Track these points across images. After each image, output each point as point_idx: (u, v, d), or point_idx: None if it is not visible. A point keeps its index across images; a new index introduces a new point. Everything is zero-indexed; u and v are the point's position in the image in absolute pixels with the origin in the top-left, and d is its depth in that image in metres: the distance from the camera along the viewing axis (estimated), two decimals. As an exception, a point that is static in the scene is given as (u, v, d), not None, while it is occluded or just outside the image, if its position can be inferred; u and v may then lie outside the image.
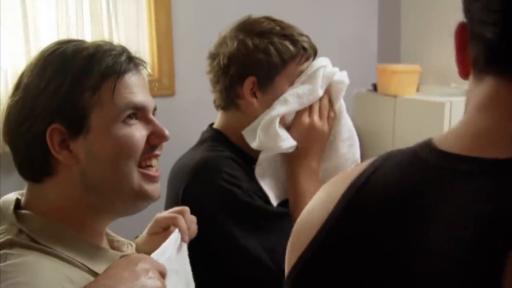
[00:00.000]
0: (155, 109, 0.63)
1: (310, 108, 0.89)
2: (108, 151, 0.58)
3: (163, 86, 1.46)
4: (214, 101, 0.93)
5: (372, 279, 0.42)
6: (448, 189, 0.39)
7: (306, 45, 0.89)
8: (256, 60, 0.86)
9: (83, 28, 1.32)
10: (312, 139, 0.89)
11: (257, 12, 1.68)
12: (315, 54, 0.93)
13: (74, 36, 1.27)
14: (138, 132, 0.59)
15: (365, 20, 1.68)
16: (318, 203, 0.48)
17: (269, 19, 0.92)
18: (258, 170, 0.89)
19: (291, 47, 0.87)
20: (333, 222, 0.44)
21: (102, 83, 0.56)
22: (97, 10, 1.32)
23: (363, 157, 1.66)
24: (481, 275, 0.37)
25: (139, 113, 0.60)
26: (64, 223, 0.57)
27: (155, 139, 0.61)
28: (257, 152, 0.90)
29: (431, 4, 1.60)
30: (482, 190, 0.37)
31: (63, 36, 1.28)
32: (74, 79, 0.55)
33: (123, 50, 0.60)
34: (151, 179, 0.61)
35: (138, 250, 0.70)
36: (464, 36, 0.41)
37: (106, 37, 1.34)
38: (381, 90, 1.49)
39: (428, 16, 1.64)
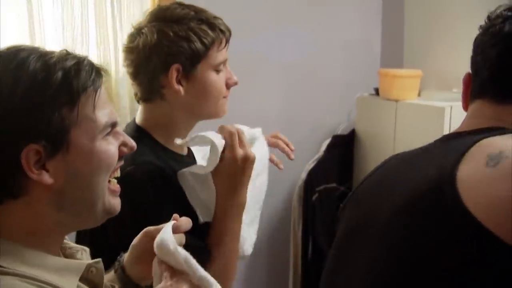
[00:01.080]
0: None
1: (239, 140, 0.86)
2: (89, 168, 0.56)
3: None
4: (136, 94, 0.91)
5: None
6: (436, 143, 0.70)
7: (222, 27, 0.88)
8: (179, 47, 0.85)
9: (88, 30, 1.33)
10: (246, 171, 0.86)
11: (255, 16, 1.67)
12: (230, 36, 0.91)
13: (79, 38, 1.29)
14: (113, 146, 0.58)
15: (369, 24, 1.69)
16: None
17: (181, 4, 0.90)
18: (181, 179, 0.86)
19: (210, 32, 0.86)
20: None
21: (79, 98, 0.54)
22: (102, 13, 1.34)
23: (363, 160, 1.66)
24: (451, 167, 0.57)
25: (113, 128, 0.60)
26: (29, 243, 0.54)
27: (125, 150, 0.61)
28: (181, 148, 0.90)
29: (434, 10, 1.61)
30: (454, 141, 0.67)
31: (68, 39, 1.30)
32: (50, 96, 0.51)
33: (91, 63, 0.58)
34: (115, 193, 0.61)
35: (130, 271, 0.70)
36: (469, 82, 0.68)
37: (110, 39, 1.36)
38: (383, 94, 1.50)
39: (431, 22, 1.65)
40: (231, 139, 0.82)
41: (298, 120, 1.64)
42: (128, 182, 0.73)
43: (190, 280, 0.60)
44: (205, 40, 0.85)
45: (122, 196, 0.65)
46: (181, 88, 0.85)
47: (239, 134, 0.82)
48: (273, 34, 1.59)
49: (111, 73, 1.40)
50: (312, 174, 1.51)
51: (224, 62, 0.90)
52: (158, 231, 0.63)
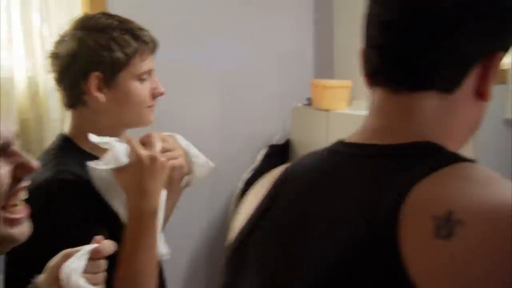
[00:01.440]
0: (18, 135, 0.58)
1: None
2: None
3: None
4: (62, 100, 0.96)
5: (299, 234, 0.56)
6: (345, 168, 0.55)
7: (147, 38, 0.93)
8: (100, 56, 0.90)
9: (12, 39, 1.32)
10: (154, 174, 0.87)
11: (190, 27, 1.72)
12: (156, 47, 0.96)
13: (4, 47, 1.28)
14: (1, 170, 0.54)
15: (302, 36, 1.81)
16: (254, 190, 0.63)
17: (106, 14, 0.97)
18: (97, 183, 0.87)
19: (132, 42, 0.91)
20: (267, 198, 0.59)
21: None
22: (29, 22, 1.33)
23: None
24: (378, 239, 0.47)
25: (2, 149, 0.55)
26: None
27: (22, 172, 0.57)
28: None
29: (362, 22, 1.75)
30: (372, 167, 0.52)
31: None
32: None
33: None
34: (17, 222, 0.57)
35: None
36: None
37: (38, 49, 1.35)
38: (315, 104, 1.62)
39: (360, 34, 1.78)
40: (131, 142, 0.85)
41: (234, 131, 1.72)
42: (40, 195, 0.76)
43: None
44: (127, 50, 0.89)
45: (36, 208, 0.63)
46: (101, 95, 0.90)
47: (150, 137, 0.86)
48: (210, 46, 1.67)
49: (39, 84, 1.40)
50: (249, 183, 1.59)
51: (149, 72, 0.94)
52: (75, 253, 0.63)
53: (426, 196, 0.48)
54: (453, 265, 0.45)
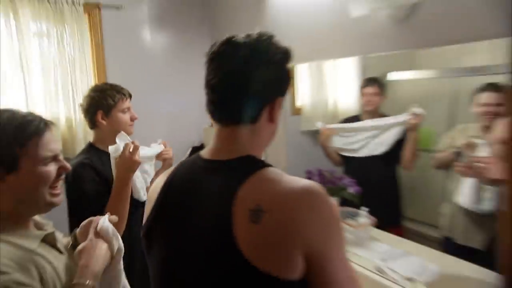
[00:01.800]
0: (61, 151, 0.94)
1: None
2: (34, 181, 0.88)
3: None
4: (88, 125, 1.56)
5: (175, 226, 0.78)
6: (203, 177, 0.78)
7: (125, 92, 1.55)
8: (99, 102, 1.50)
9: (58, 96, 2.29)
10: (130, 171, 1.39)
11: (148, 84, 2.69)
12: (130, 96, 1.58)
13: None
14: (51, 168, 0.91)
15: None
16: (157, 183, 0.86)
17: (105, 83, 1.60)
18: (111, 158, 1.41)
19: (117, 94, 1.52)
20: (161, 195, 0.82)
21: (28, 141, 0.87)
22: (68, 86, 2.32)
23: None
24: (226, 218, 0.69)
25: (53, 158, 0.91)
26: (5, 220, 0.87)
27: (61, 170, 0.94)
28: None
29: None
30: (218, 176, 0.75)
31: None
32: (11, 137, 0.85)
33: (40, 118, 0.92)
34: (57, 195, 0.93)
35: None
36: None
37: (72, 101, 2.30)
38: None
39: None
40: (127, 145, 1.37)
41: (177, 139, 2.43)
42: (73, 172, 1.34)
43: (105, 242, 0.96)
44: (114, 99, 1.52)
45: (69, 179, 1.35)
46: (104, 122, 1.51)
47: (134, 145, 1.38)
48: (159, 95, 2.57)
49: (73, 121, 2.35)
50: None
51: (128, 108, 1.56)
52: (98, 219, 0.99)
53: (245, 194, 0.68)
54: (261, 240, 0.66)
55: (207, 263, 0.73)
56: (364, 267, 1.56)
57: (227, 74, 0.75)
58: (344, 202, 1.86)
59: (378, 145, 2.01)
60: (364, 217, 1.81)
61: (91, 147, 1.56)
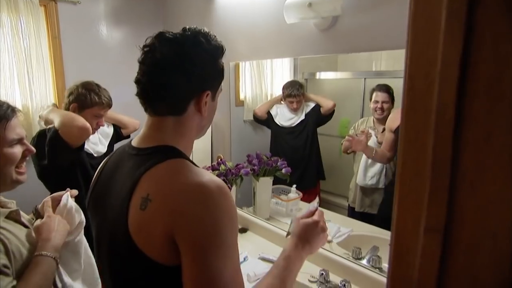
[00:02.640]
0: (26, 136, 1.02)
1: None
2: (1, 161, 0.93)
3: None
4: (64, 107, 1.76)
5: (98, 198, 0.84)
6: (126, 160, 0.81)
7: (104, 102, 1.75)
8: (79, 97, 1.71)
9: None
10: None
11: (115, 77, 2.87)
12: (110, 105, 1.78)
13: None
14: (17, 150, 0.98)
15: None
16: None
17: (96, 86, 1.78)
18: None
19: (97, 99, 1.74)
20: (96, 174, 0.89)
21: None
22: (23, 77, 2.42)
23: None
24: (125, 203, 0.71)
25: (19, 140, 0.98)
26: None
27: (26, 152, 1.02)
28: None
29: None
30: (136, 160, 0.77)
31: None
32: None
33: (8, 104, 0.97)
34: (22, 173, 1.01)
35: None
36: None
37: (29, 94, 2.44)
38: None
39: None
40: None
41: None
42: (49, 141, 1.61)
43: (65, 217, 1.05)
44: (93, 101, 1.74)
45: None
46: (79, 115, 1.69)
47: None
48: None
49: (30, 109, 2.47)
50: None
51: (100, 115, 1.78)
52: (60, 196, 1.10)
53: (144, 182, 0.70)
54: (146, 225, 0.69)
55: (111, 245, 0.78)
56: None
57: (151, 68, 0.77)
58: (278, 181, 2.20)
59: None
60: (294, 193, 2.19)
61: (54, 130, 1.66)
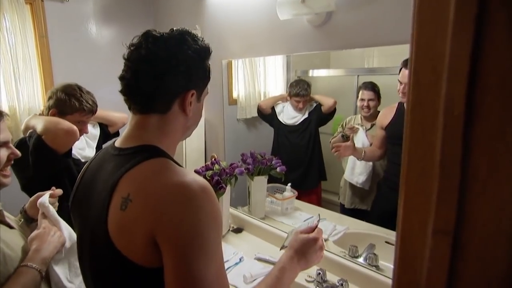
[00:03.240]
0: (12, 139, 1.03)
1: None
2: None
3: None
4: (44, 112, 1.66)
5: (84, 197, 0.82)
6: (108, 161, 0.79)
7: (86, 107, 1.62)
8: (59, 102, 1.59)
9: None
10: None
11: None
12: (93, 112, 1.65)
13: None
14: (2, 153, 0.99)
15: None
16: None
17: (79, 90, 1.64)
18: None
19: (77, 104, 1.59)
20: (80, 176, 0.88)
21: None
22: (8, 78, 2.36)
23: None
24: (105, 204, 0.70)
25: (4, 144, 0.98)
26: None
27: (12, 156, 1.03)
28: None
29: None
30: (118, 161, 0.76)
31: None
32: None
33: None
34: (6, 176, 1.02)
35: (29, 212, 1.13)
36: None
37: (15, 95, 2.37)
38: None
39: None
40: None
41: None
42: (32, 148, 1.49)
43: (54, 226, 1.02)
44: (73, 108, 1.62)
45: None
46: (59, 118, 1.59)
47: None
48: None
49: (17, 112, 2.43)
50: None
51: (82, 121, 1.65)
52: (42, 195, 1.11)
53: (124, 182, 0.69)
54: (126, 226, 0.67)
55: (91, 247, 0.78)
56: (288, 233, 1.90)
57: (135, 64, 0.77)
58: (273, 179, 2.18)
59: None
60: (288, 191, 2.17)
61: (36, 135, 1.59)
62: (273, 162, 2.14)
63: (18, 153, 1.02)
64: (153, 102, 0.78)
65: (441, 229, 0.36)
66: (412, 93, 0.39)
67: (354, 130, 1.98)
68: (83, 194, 0.83)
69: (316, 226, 1.00)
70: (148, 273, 0.68)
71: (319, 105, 2.37)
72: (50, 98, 1.64)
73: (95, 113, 1.68)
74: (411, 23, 0.36)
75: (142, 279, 0.69)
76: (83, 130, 1.64)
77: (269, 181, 2.17)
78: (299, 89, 2.32)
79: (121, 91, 0.81)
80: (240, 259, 1.71)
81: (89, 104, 1.64)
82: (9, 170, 1.02)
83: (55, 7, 2.47)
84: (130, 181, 0.70)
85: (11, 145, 1.01)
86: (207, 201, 0.68)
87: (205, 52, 0.83)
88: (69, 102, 1.59)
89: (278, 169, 2.11)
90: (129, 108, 0.82)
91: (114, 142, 0.84)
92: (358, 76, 2.14)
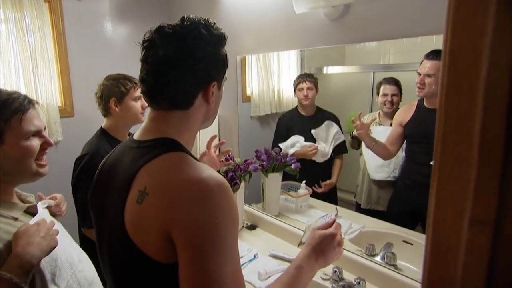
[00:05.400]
0: (45, 127, 0.97)
1: None
2: (17, 154, 0.91)
3: (66, 112, 2.53)
4: (101, 112, 1.66)
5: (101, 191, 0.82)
6: (127, 153, 0.79)
7: (135, 81, 1.63)
8: (112, 90, 1.60)
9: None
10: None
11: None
12: (138, 84, 1.43)
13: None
14: (35, 142, 0.95)
15: None
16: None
17: (118, 74, 1.67)
18: None
19: (128, 82, 1.63)
20: (98, 171, 0.88)
21: (12, 116, 0.89)
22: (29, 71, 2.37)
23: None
24: (123, 196, 0.69)
25: (36, 133, 0.94)
26: None
27: (45, 145, 0.99)
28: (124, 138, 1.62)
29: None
30: (136, 153, 0.75)
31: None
32: None
33: (25, 96, 0.95)
34: (43, 166, 0.98)
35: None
36: None
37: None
38: None
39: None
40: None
41: None
42: (79, 161, 1.55)
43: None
44: (126, 87, 1.61)
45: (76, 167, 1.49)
46: (117, 109, 1.61)
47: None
48: None
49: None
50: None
51: (139, 96, 1.63)
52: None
53: (142, 175, 0.68)
54: (142, 220, 0.67)
55: (110, 240, 0.78)
56: (303, 230, 1.88)
57: (155, 67, 0.76)
58: (287, 177, 2.16)
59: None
60: (303, 189, 2.15)
61: (102, 133, 1.67)
62: (287, 158, 2.12)
63: (52, 142, 0.99)
64: (175, 101, 0.78)
65: (480, 219, 0.33)
66: (447, 75, 0.36)
67: (372, 120, 1.93)
68: (101, 186, 0.83)
69: (334, 221, 0.96)
70: (163, 268, 0.67)
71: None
72: (101, 96, 1.65)
73: None
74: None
75: (156, 274, 0.68)
76: (143, 105, 1.65)
77: (283, 178, 2.15)
78: (299, 78, 2.30)
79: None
80: (255, 256, 1.70)
81: (133, 78, 1.67)
82: (45, 159, 0.99)
83: (72, 5, 2.50)
84: (148, 174, 0.69)
85: (44, 133, 0.99)
86: (224, 198, 0.67)
87: (221, 40, 0.81)
88: (120, 83, 1.63)
89: (292, 166, 2.09)
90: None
91: (133, 135, 0.84)
92: (374, 72, 2.09)
